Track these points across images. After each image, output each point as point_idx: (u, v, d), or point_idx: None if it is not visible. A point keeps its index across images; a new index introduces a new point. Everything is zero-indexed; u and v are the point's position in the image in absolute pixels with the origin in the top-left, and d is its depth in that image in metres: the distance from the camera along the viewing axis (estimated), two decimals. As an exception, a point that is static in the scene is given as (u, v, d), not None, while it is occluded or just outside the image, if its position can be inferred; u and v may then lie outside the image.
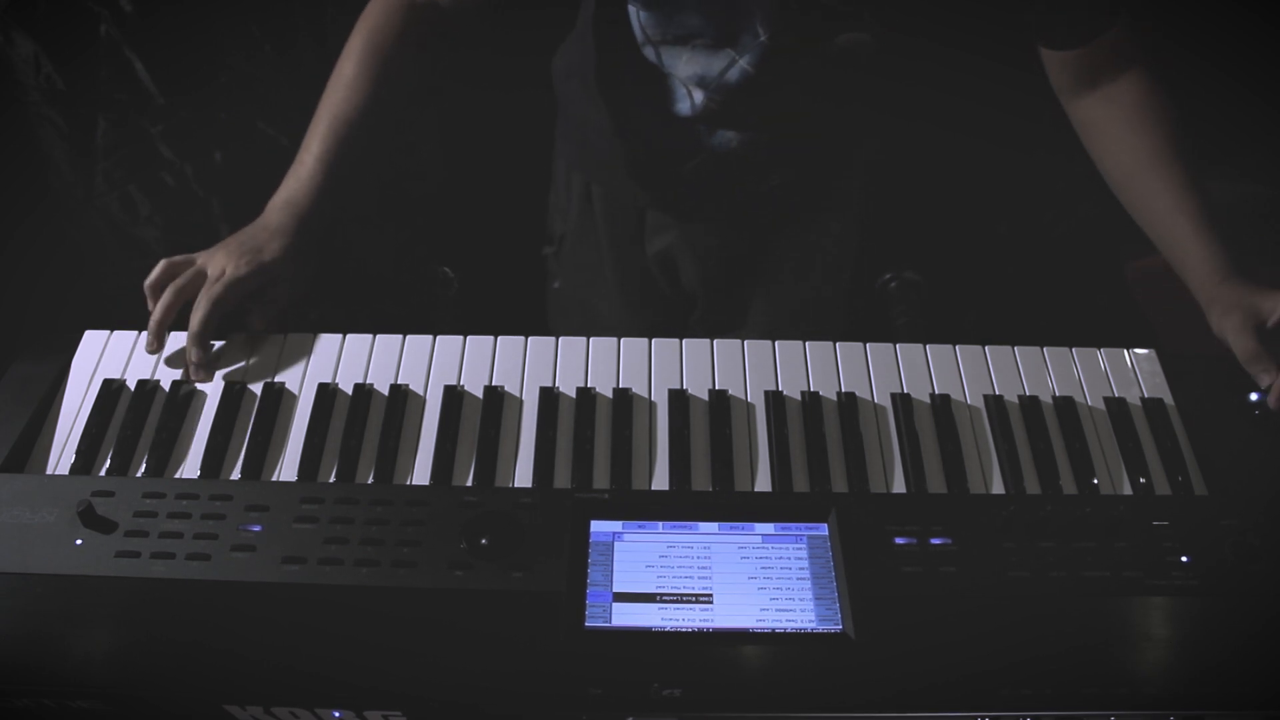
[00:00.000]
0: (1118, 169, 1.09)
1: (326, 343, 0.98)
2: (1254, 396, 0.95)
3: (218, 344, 0.98)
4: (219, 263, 0.97)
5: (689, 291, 1.38)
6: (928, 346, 0.99)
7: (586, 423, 0.91)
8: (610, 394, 0.94)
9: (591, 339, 0.98)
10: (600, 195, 1.32)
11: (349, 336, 0.99)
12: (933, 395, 0.95)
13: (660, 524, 0.83)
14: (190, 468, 0.89)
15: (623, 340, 0.98)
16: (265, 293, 0.99)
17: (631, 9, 1.09)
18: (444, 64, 1.16)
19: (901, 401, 0.94)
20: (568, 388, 0.94)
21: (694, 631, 0.78)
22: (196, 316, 0.94)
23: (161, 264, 0.97)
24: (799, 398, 0.94)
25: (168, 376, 0.95)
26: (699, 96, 1.12)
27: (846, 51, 1.05)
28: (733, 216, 1.30)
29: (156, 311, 0.95)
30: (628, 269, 1.36)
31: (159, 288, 0.97)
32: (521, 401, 0.94)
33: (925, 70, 1.12)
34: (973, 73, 1.21)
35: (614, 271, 1.36)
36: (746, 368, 0.97)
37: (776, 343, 0.98)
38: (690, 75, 1.10)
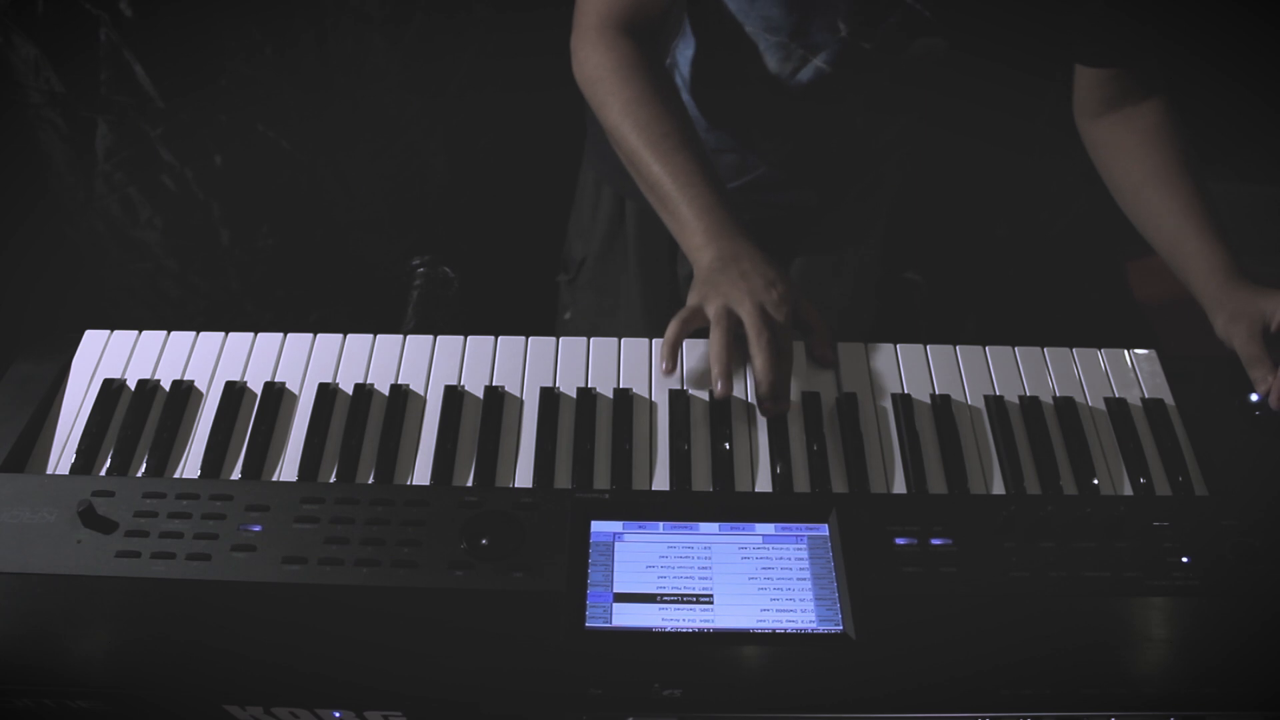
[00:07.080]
0: (1127, 181, 1.11)
1: (326, 343, 0.98)
2: (1254, 397, 0.95)
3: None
4: (754, 311, 0.91)
5: None
6: (928, 346, 0.99)
7: (587, 423, 0.91)
8: (611, 394, 0.94)
9: (592, 339, 0.98)
10: (634, 211, 1.31)
11: (349, 336, 0.98)
12: (933, 395, 0.95)
13: (661, 524, 0.83)
14: (190, 468, 0.89)
15: (623, 340, 0.98)
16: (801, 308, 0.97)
17: None
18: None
19: (902, 401, 0.94)
20: (568, 388, 0.94)
21: (694, 632, 0.78)
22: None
23: (675, 325, 0.94)
24: (799, 398, 0.94)
25: (168, 376, 0.95)
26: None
27: (918, 57, 1.08)
28: (766, 239, 1.30)
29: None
30: (656, 290, 1.35)
31: (677, 344, 0.94)
32: (522, 402, 0.94)
33: (950, 78, 1.13)
34: (978, 75, 1.21)
35: (641, 293, 1.35)
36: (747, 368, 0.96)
37: (777, 343, 0.98)
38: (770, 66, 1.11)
